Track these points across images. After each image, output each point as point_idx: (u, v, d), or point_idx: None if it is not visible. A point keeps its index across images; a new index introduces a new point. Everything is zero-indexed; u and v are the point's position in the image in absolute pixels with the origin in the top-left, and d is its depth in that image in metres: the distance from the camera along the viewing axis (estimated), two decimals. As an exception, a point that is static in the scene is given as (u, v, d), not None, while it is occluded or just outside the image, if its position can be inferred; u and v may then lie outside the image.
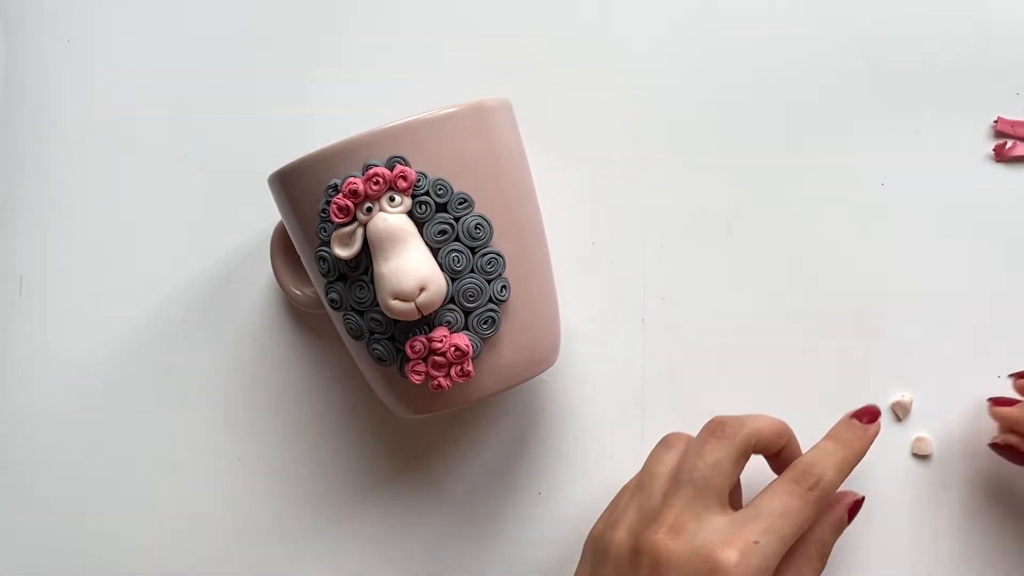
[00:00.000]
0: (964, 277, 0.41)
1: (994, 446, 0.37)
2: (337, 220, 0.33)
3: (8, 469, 0.44)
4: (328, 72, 0.44)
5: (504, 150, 0.36)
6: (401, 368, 0.35)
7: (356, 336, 0.36)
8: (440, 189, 0.34)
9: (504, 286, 0.35)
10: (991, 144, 0.41)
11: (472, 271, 0.34)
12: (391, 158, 0.33)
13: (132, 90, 0.45)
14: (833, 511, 0.36)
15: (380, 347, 0.35)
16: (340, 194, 0.33)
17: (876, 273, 0.41)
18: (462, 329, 0.34)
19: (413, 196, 0.33)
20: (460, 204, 0.34)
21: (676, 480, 0.34)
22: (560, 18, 0.44)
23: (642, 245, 0.42)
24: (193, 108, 0.45)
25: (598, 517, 0.37)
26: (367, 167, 0.33)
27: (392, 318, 0.34)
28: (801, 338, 0.41)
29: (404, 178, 0.33)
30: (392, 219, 0.33)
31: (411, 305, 0.33)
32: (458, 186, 0.34)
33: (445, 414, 0.41)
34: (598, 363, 0.42)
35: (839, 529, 0.36)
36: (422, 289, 0.33)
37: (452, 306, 0.34)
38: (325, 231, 0.34)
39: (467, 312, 0.34)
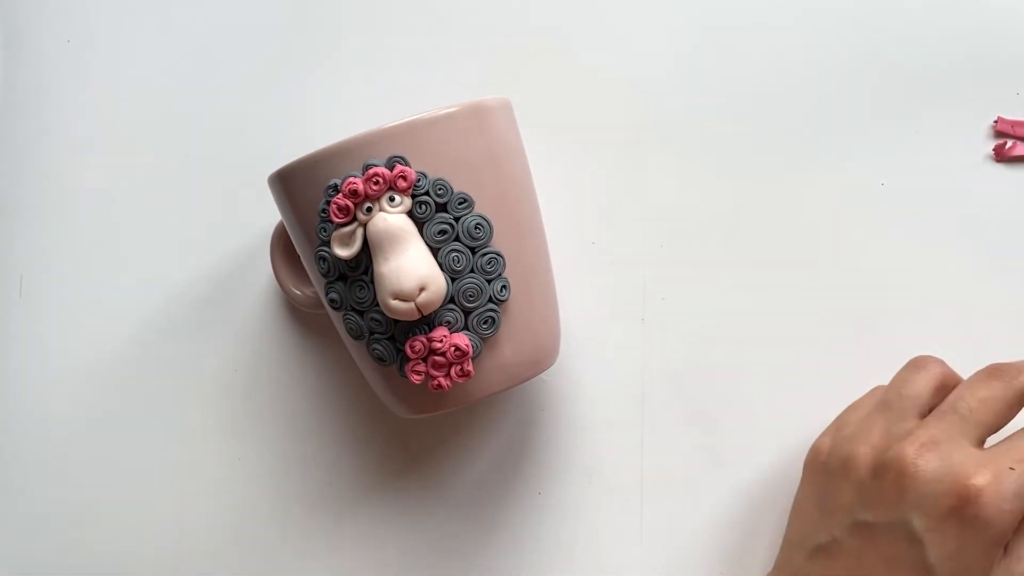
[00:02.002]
0: (964, 277, 0.41)
1: None
2: (337, 220, 0.33)
3: (8, 469, 0.44)
4: (328, 72, 0.44)
5: (504, 150, 0.36)
6: (401, 368, 0.35)
7: (356, 336, 0.36)
8: (440, 189, 0.34)
9: (504, 286, 0.35)
10: (991, 144, 0.41)
11: (472, 271, 0.34)
12: (391, 158, 0.33)
13: (132, 90, 0.45)
14: None
15: (380, 347, 0.35)
16: (340, 194, 0.33)
17: (876, 273, 0.41)
18: (462, 329, 0.34)
19: (413, 196, 0.33)
20: (460, 204, 0.34)
21: (938, 407, 0.33)
22: (560, 18, 0.44)
23: (642, 245, 0.42)
24: (193, 108, 0.45)
25: (823, 431, 0.36)
26: (367, 167, 0.33)
27: (392, 318, 0.34)
28: (801, 337, 0.41)
29: (404, 178, 0.33)
30: (392, 219, 0.33)
31: (411, 305, 0.33)
32: (458, 186, 0.34)
33: (445, 414, 0.41)
34: (598, 363, 0.42)
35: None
36: (422, 289, 0.33)
37: (452, 306, 0.34)
38: (325, 231, 0.34)
39: (467, 312, 0.34)
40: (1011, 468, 0.30)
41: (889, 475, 0.31)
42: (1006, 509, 0.30)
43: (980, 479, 0.30)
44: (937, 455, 0.31)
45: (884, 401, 0.35)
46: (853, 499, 0.33)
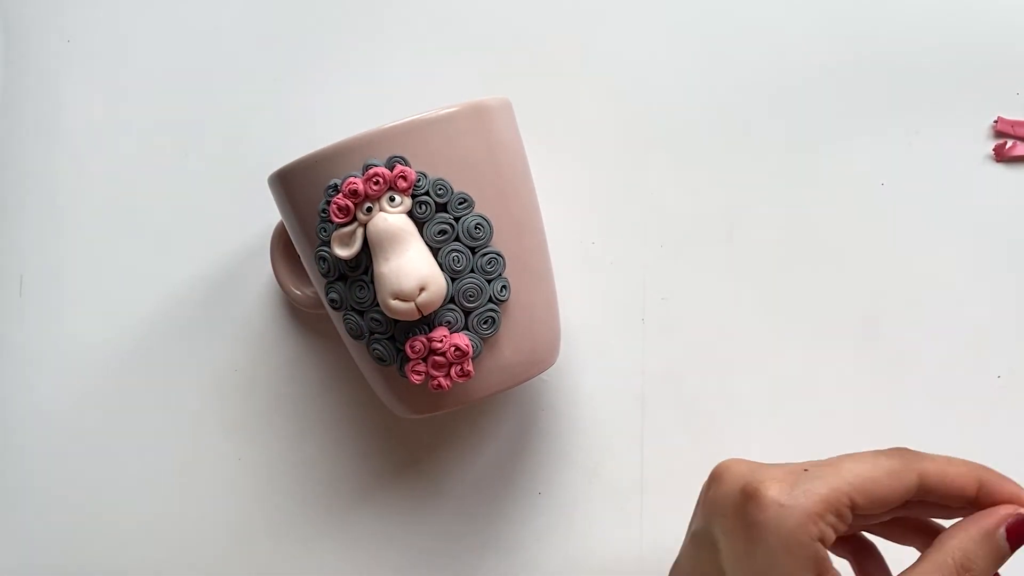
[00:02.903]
0: (964, 277, 0.41)
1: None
2: (337, 220, 0.33)
3: (8, 469, 0.44)
4: (328, 72, 0.44)
5: (504, 150, 0.36)
6: (401, 368, 0.35)
7: (356, 336, 0.36)
8: (440, 189, 0.34)
9: (504, 286, 0.35)
10: (991, 144, 0.41)
11: (472, 271, 0.34)
12: (391, 158, 0.33)
13: (132, 90, 0.45)
14: (982, 521, 0.29)
15: (380, 347, 0.35)
16: (340, 194, 0.33)
17: (876, 272, 0.41)
18: (462, 329, 0.34)
19: (413, 196, 0.33)
20: (460, 204, 0.34)
21: None
22: (560, 18, 0.44)
23: (642, 245, 0.42)
24: (193, 108, 0.45)
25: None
26: (367, 167, 0.33)
27: (392, 318, 0.34)
28: (801, 338, 0.41)
29: (404, 178, 0.33)
30: (392, 219, 0.33)
31: (411, 305, 0.33)
32: (458, 186, 0.34)
33: (445, 414, 0.41)
34: (598, 363, 0.42)
35: (994, 552, 0.29)
36: (422, 289, 0.33)
37: (452, 306, 0.34)
38: (325, 231, 0.34)
39: (467, 312, 0.34)
40: (805, 470, 0.29)
41: (710, 483, 0.31)
42: (785, 505, 0.28)
43: (767, 477, 0.29)
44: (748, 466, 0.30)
45: None
46: (696, 510, 0.33)
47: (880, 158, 0.42)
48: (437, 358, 0.34)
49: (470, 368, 0.34)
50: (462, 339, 0.34)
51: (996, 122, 0.41)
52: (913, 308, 0.41)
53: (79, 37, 0.46)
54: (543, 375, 0.42)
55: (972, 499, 0.29)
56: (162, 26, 0.46)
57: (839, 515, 0.28)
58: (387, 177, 0.33)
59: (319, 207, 0.34)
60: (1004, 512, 0.29)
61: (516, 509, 0.42)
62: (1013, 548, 0.29)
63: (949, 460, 0.30)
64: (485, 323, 0.34)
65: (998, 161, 0.41)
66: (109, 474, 0.44)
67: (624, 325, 0.42)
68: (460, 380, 0.34)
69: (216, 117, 0.45)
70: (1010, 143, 0.41)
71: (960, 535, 0.28)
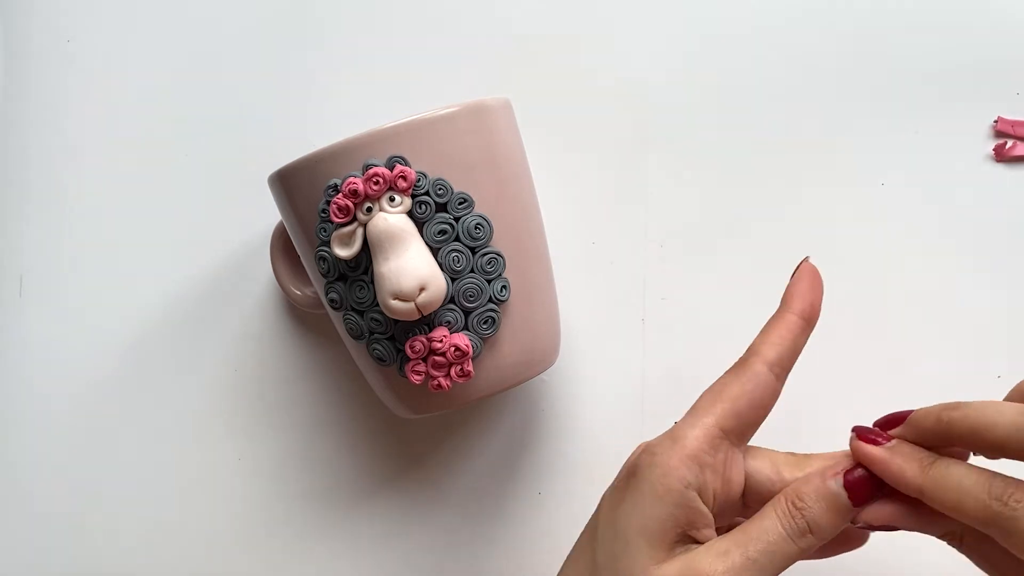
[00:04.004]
0: (964, 277, 0.41)
1: (865, 527, 0.30)
2: (337, 220, 0.33)
3: (8, 468, 0.44)
4: (328, 72, 0.44)
5: (504, 150, 0.36)
6: (401, 368, 0.35)
7: (356, 336, 0.36)
8: (440, 189, 0.34)
9: (504, 286, 0.35)
10: (991, 144, 0.41)
11: (472, 271, 0.34)
12: (391, 158, 0.33)
13: (132, 90, 0.45)
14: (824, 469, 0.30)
15: (380, 347, 0.35)
16: (340, 194, 0.33)
17: (876, 272, 0.41)
18: (462, 329, 0.34)
19: (413, 196, 0.33)
20: (460, 204, 0.34)
21: None
22: (560, 18, 0.44)
23: (642, 245, 0.42)
24: (193, 108, 0.45)
25: None
26: (367, 167, 0.33)
27: (392, 318, 0.34)
28: (801, 338, 0.41)
29: (404, 178, 0.33)
30: (392, 219, 0.33)
31: (411, 305, 0.33)
32: (458, 186, 0.34)
33: (445, 414, 0.41)
34: (598, 363, 0.42)
35: (826, 495, 0.29)
36: (422, 289, 0.33)
37: (452, 306, 0.34)
38: (325, 231, 0.34)
39: (467, 312, 0.34)
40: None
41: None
42: (657, 454, 0.29)
43: (656, 439, 0.30)
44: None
45: None
46: None
47: (880, 158, 0.42)
48: (437, 358, 0.34)
49: (470, 368, 0.34)
50: (462, 339, 0.34)
51: (996, 122, 0.41)
52: (913, 308, 0.41)
53: (79, 37, 0.46)
54: (543, 375, 0.42)
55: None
56: (162, 26, 0.46)
57: (714, 448, 0.29)
58: (387, 177, 0.33)
59: (319, 207, 0.34)
60: (846, 464, 0.29)
61: (516, 509, 0.42)
62: (853, 498, 0.29)
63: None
64: (485, 323, 0.34)
65: (998, 161, 0.41)
66: (109, 474, 0.44)
67: (624, 325, 0.42)
68: (460, 380, 0.34)
69: (216, 117, 0.45)
70: (1010, 143, 0.41)
71: (801, 479, 0.30)
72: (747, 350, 0.31)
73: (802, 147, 0.42)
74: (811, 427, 0.40)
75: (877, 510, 0.29)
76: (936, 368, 0.40)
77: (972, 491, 0.27)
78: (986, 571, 0.30)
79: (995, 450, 0.28)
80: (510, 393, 0.42)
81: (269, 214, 0.41)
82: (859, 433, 0.30)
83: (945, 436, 0.29)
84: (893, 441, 0.30)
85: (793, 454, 0.32)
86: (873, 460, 0.29)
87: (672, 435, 0.30)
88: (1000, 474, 0.28)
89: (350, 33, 0.45)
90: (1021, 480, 0.28)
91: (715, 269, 0.42)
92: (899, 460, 0.29)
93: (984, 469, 0.28)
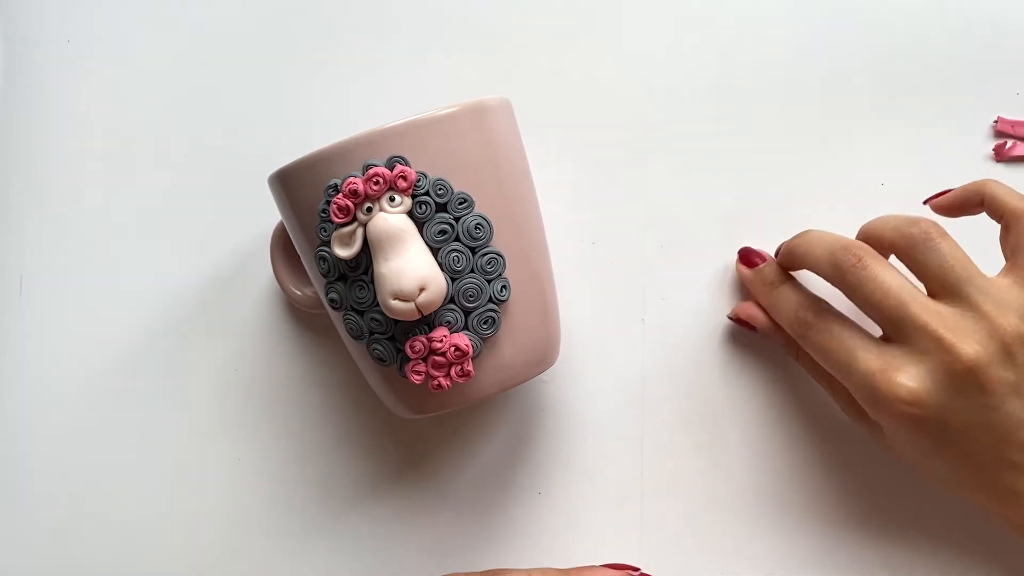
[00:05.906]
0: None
1: (732, 319, 0.40)
2: (337, 220, 0.33)
3: (8, 468, 0.44)
4: (328, 72, 0.44)
5: (504, 150, 0.36)
6: (401, 368, 0.35)
7: (356, 336, 0.36)
8: (440, 189, 0.34)
9: (504, 286, 0.35)
10: (991, 144, 0.41)
11: (472, 271, 0.34)
12: (391, 158, 0.33)
13: (132, 90, 0.45)
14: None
15: (380, 347, 0.35)
16: (340, 194, 0.33)
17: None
18: (462, 329, 0.34)
19: (413, 196, 0.33)
20: (460, 204, 0.34)
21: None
22: (560, 18, 0.44)
23: (642, 245, 0.42)
24: (193, 108, 0.45)
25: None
26: (367, 167, 0.33)
27: (392, 318, 0.34)
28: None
29: (404, 178, 0.33)
30: (392, 219, 0.33)
31: (411, 305, 0.33)
32: (458, 186, 0.34)
33: (445, 414, 0.41)
34: (598, 363, 0.42)
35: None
36: (422, 289, 0.33)
37: (452, 306, 0.34)
38: (325, 231, 0.34)
39: (467, 312, 0.34)
40: None
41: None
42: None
43: None
44: None
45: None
46: None
47: (880, 158, 0.42)
48: (437, 358, 0.34)
49: (470, 368, 0.34)
50: (462, 339, 0.34)
51: (996, 122, 0.41)
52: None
53: (79, 37, 0.46)
54: (543, 375, 0.42)
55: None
56: (162, 26, 0.46)
57: None
58: (387, 177, 0.33)
59: (319, 207, 0.34)
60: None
61: (516, 509, 0.42)
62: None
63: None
64: (485, 323, 0.34)
65: (998, 161, 0.41)
66: (109, 473, 0.44)
67: (624, 325, 0.42)
68: (460, 380, 0.34)
69: (216, 117, 0.45)
70: (1010, 143, 0.41)
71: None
72: None
73: (802, 147, 0.42)
74: (811, 426, 0.40)
75: (743, 308, 0.40)
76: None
77: (787, 307, 0.37)
78: (813, 377, 0.39)
79: (815, 272, 0.36)
80: (510, 393, 0.42)
81: (269, 214, 0.41)
82: (741, 254, 0.40)
83: (789, 259, 0.38)
84: (765, 263, 0.39)
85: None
86: (742, 279, 0.40)
87: None
88: (811, 295, 0.37)
89: (350, 33, 0.45)
90: (822, 300, 0.37)
91: (715, 269, 0.42)
92: (757, 281, 0.39)
93: (804, 291, 0.37)
